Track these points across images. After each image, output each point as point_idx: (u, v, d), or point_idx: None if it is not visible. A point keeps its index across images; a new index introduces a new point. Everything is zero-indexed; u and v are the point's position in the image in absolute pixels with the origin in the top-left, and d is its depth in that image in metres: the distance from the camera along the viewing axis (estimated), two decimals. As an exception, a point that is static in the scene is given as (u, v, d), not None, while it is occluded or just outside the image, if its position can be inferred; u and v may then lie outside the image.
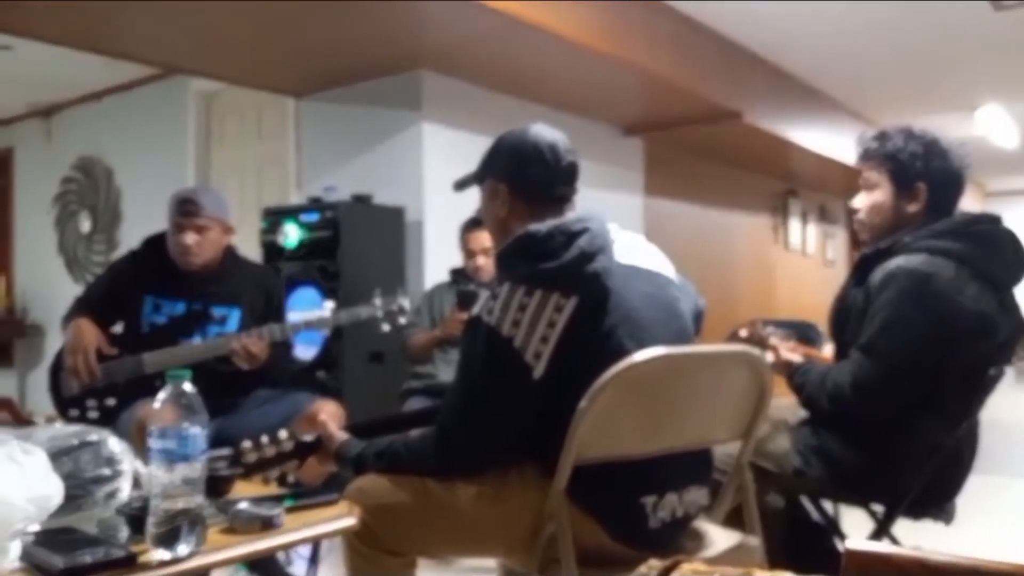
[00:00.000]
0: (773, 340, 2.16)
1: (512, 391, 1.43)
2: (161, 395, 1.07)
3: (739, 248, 6.97)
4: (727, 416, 1.60)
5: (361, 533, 1.44)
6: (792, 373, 2.05)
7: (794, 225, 7.94)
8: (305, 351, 3.49)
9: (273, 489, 1.50)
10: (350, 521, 1.26)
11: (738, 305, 6.25)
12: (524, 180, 1.59)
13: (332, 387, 3.50)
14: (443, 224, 3.72)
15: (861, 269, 2.02)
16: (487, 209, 1.67)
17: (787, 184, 7.75)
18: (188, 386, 1.08)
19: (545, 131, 1.62)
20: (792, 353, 2.12)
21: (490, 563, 2.28)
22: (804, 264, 8.15)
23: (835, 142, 6.16)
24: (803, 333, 2.44)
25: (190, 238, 2.60)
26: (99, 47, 3.81)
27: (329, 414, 1.97)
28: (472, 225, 3.19)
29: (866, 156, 2.05)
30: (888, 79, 5.58)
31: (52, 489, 1.08)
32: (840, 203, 9.06)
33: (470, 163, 1.76)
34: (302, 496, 1.32)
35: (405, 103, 4.07)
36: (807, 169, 7.03)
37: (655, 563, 0.77)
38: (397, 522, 1.50)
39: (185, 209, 2.59)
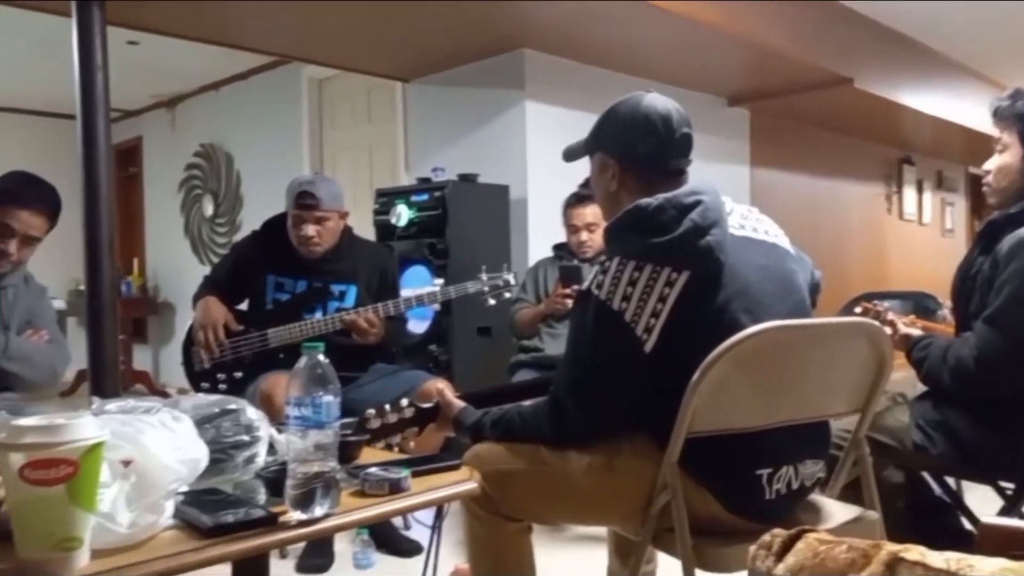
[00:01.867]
0: (890, 315, 2.09)
1: (623, 364, 1.44)
2: (297, 366, 1.14)
3: (850, 219, 6.70)
4: (844, 389, 1.57)
5: (479, 498, 1.49)
6: (911, 347, 1.99)
7: (909, 194, 7.56)
8: (417, 325, 3.60)
9: (396, 455, 1.57)
10: (471, 486, 1.32)
11: (849, 277, 6.03)
12: (635, 154, 1.57)
13: (443, 360, 3.61)
14: (547, 200, 3.75)
15: (988, 236, 1.93)
16: (597, 182, 1.65)
17: (902, 151, 7.38)
18: (322, 357, 1.15)
19: (659, 101, 1.57)
20: (911, 327, 2.05)
21: (602, 531, 2.32)
22: (920, 234, 7.77)
23: (955, 106, 5.82)
24: (920, 303, 2.35)
25: (311, 230, 2.73)
26: (218, 39, 4.00)
27: (444, 387, 2.04)
28: (575, 201, 3.20)
29: (997, 116, 1.95)
30: (1015, 38, 5.22)
31: (199, 453, 1.16)
32: (960, 169, 8.56)
33: (573, 139, 1.75)
34: (424, 462, 1.38)
35: (509, 82, 4.10)
36: (923, 135, 6.67)
37: (779, 532, 0.77)
38: (512, 489, 1.54)
39: (304, 203, 2.71)
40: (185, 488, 1.13)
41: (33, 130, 6.66)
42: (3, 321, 2.18)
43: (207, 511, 1.10)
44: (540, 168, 4.03)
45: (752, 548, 0.83)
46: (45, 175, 7.49)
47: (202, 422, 1.26)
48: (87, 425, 0.93)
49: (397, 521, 2.95)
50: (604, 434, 1.50)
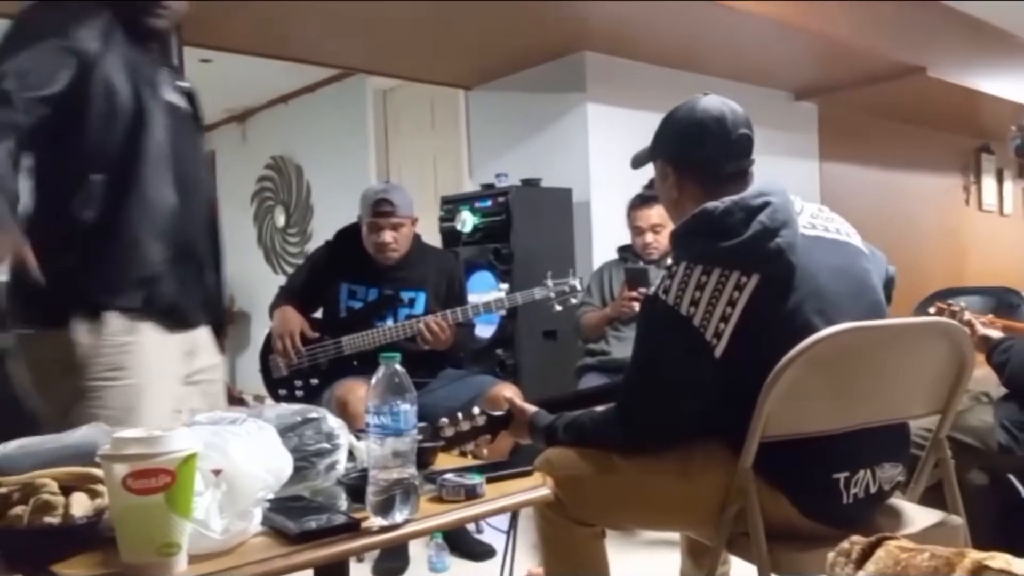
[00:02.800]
0: (967, 314, 2.03)
1: (692, 369, 1.44)
2: (376, 375, 1.18)
3: (924, 212, 6.49)
4: (924, 390, 1.54)
5: (552, 503, 1.50)
6: (991, 350, 1.92)
7: (988, 183, 7.28)
8: (484, 330, 3.64)
9: (469, 460, 1.60)
10: (544, 491, 1.33)
11: (925, 274, 5.83)
12: (690, 160, 1.57)
13: (509, 364, 3.64)
14: (610, 203, 3.75)
15: None
16: (660, 188, 1.66)
17: (979, 139, 7.11)
18: (399, 367, 1.18)
19: (713, 104, 1.56)
20: (989, 327, 1.99)
21: (673, 534, 2.31)
22: (1001, 225, 7.46)
23: (1036, 90, 5.59)
24: (1002, 299, 2.28)
25: (387, 236, 2.80)
26: (286, 55, 4.12)
27: (512, 392, 2.06)
28: (639, 202, 3.19)
29: None
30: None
31: (284, 462, 1.21)
32: (1046, 157, 8.19)
33: (636, 140, 1.75)
34: (497, 468, 1.41)
35: (570, 85, 4.11)
36: (1003, 122, 6.39)
37: (858, 539, 0.77)
38: (584, 494, 1.55)
39: (381, 210, 2.78)
40: (271, 495, 1.18)
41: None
42: None
43: (292, 518, 1.14)
44: (603, 170, 4.03)
45: (830, 555, 0.83)
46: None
47: (285, 431, 1.30)
48: (182, 437, 0.98)
49: (470, 525, 2.99)
50: (673, 439, 1.50)
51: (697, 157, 1.56)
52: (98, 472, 1.08)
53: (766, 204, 1.44)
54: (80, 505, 1.04)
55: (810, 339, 1.35)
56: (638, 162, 1.72)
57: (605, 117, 4.09)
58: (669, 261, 3.06)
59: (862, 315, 1.46)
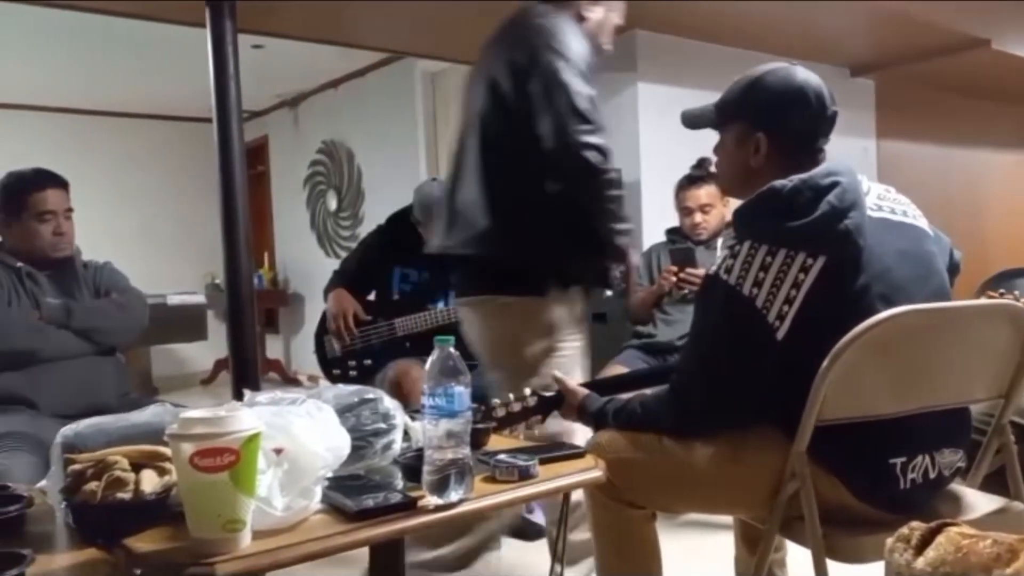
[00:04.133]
0: None
1: (753, 352, 1.42)
2: (431, 358, 1.20)
3: (989, 190, 6.28)
4: (985, 373, 1.51)
5: (602, 485, 1.51)
6: None
7: (1058, 159, 7.01)
8: (533, 314, 3.64)
9: (521, 441, 1.61)
10: (597, 473, 1.34)
11: (988, 254, 5.64)
12: (788, 128, 1.51)
13: (559, 347, 3.64)
14: (660, 183, 3.70)
15: None
16: (731, 155, 1.58)
17: (1048, 114, 6.85)
18: (453, 350, 1.20)
19: (812, 75, 1.52)
20: None
21: (719, 517, 2.30)
22: (1071, 203, 7.19)
23: (1113, 59, 5.34)
24: (1072, 282, 2.20)
25: None
26: (337, 39, 4.15)
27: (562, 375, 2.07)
28: (687, 182, 3.15)
29: None
30: None
31: (343, 441, 1.24)
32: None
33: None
34: (549, 449, 1.42)
35: (619, 65, 4.06)
36: (1074, 95, 6.16)
37: (917, 524, 0.76)
38: (635, 477, 1.55)
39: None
40: (330, 474, 1.21)
41: (168, 134, 7.11)
42: (78, 291, 2.35)
43: (351, 496, 1.17)
44: (653, 150, 3.99)
45: (889, 540, 0.82)
46: (181, 176, 8.00)
47: (343, 411, 1.33)
48: (245, 417, 1.02)
49: (520, 505, 3.01)
50: (728, 424, 1.49)
51: (794, 126, 1.51)
52: (165, 450, 1.12)
53: (835, 184, 1.40)
54: (149, 482, 1.08)
55: (869, 321, 1.33)
56: (695, 121, 1.65)
57: (656, 96, 4.04)
58: (720, 241, 3.06)
59: (927, 299, 1.42)
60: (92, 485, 1.07)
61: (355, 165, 6.20)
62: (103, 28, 4.36)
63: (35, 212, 2.26)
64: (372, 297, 3.02)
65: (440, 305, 2.90)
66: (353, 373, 2.92)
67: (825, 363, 1.33)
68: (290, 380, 6.76)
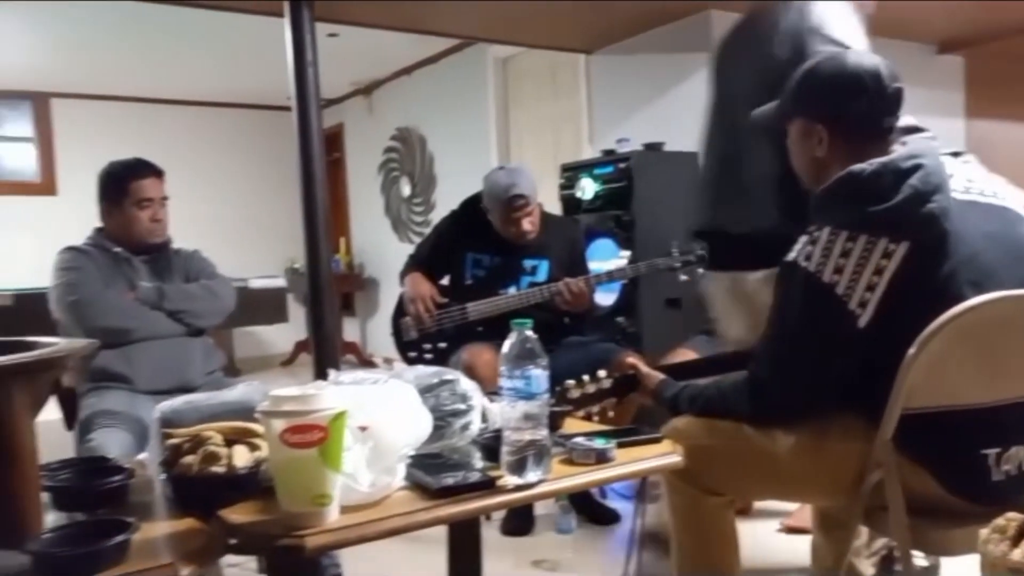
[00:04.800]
0: None
1: (834, 340, 1.39)
2: (508, 340, 1.21)
3: (1090, 170, 5.96)
4: (1086, 363, 1.44)
5: (680, 471, 1.50)
6: None
7: None
8: (605, 298, 3.63)
9: (596, 425, 1.62)
10: (675, 459, 1.34)
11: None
12: (845, 116, 1.48)
13: (631, 332, 3.62)
14: (738, 167, 3.64)
15: None
16: (798, 149, 1.58)
17: None
18: (530, 333, 1.21)
19: (864, 57, 1.49)
20: None
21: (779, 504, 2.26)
22: None
23: None
24: None
25: (527, 224, 2.85)
26: (411, 26, 4.19)
27: (636, 360, 2.06)
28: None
29: None
30: None
31: (424, 420, 1.27)
32: None
33: (764, 101, 1.67)
34: (626, 434, 1.42)
35: (695, 45, 3.99)
36: None
37: (1015, 516, 0.74)
38: (713, 464, 1.54)
39: (515, 205, 2.82)
40: (411, 452, 1.24)
41: (250, 122, 7.30)
42: (170, 276, 2.44)
43: (431, 473, 1.19)
44: (729, 133, 3.92)
45: (983, 531, 0.80)
46: (261, 163, 8.20)
47: (423, 391, 1.36)
48: (333, 395, 1.05)
49: (594, 489, 3.02)
50: (808, 413, 1.46)
51: (853, 112, 1.48)
52: (256, 427, 1.17)
53: (917, 167, 1.36)
54: (241, 457, 1.13)
55: (957, 308, 1.29)
56: (765, 121, 1.65)
57: (732, 78, 3.96)
58: (812, 228, 2.99)
59: (1019, 284, 1.37)
60: (188, 459, 1.12)
61: (427, 151, 6.27)
62: (187, 20, 4.52)
63: (135, 199, 2.36)
64: (445, 281, 3.06)
65: (512, 289, 2.92)
66: (428, 356, 2.97)
67: (912, 350, 1.30)
68: (366, 362, 6.90)
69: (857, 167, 1.40)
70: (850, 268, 1.36)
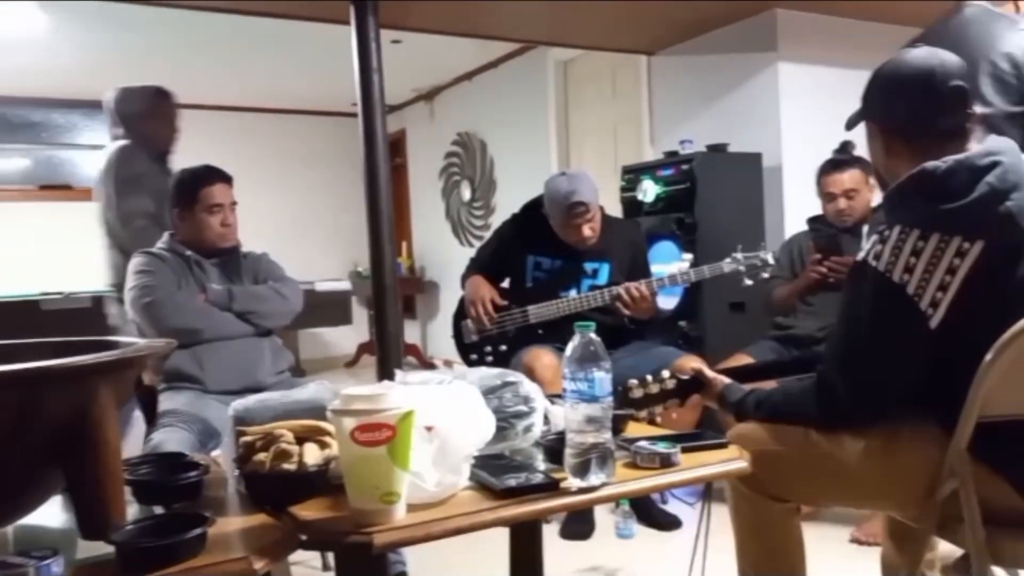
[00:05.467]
0: None
1: (904, 341, 1.36)
2: (572, 343, 1.21)
3: None
4: None
5: (745, 476, 1.48)
6: None
7: None
8: (667, 301, 3.60)
9: (661, 430, 1.61)
10: (741, 464, 1.32)
11: None
12: (895, 118, 1.47)
13: (693, 336, 3.58)
14: (803, 167, 3.56)
15: None
16: (870, 150, 1.56)
17: None
18: (594, 335, 1.21)
19: (919, 57, 1.45)
20: None
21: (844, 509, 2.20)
22: None
23: None
24: None
25: (587, 231, 2.86)
26: (473, 32, 4.23)
27: (699, 363, 2.04)
28: (830, 167, 3.02)
29: None
30: None
31: (488, 421, 1.28)
32: None
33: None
34: (691, 438, 1.41)
35: (759, 45, 3.94)
36: None
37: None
38: (779, 470, 1.52)
39: (576, 212, 2.83)
40: (476, 452, 1.25)
41: (315, 128, 7.45)
42: (239, 278, 2.51)
43: (495, 474, 1.21)
44: (795, 133, 3.85)
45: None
46: (327, 168, 8.33)
47: (487, 393, 1.37)
48: (400, 395, 1.07)
49: (655, 495, 3.00)
50: (878, 417, 1.43)
51: (902, 115, 1.46)
52: (326, 425, 1.19)
53: (995, 164, 1.32)
54: (312, 454, 1.16)
55: (1039, 312, 1.24)
56: (850, 123, 1.63)
57: (798, 76, 3.89)
58: (866, 228, 2.92)
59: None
60: (261, 456, 1.16)
61: (488, 156, 6.31)
62: (255, 29, 4.64)
63: (205, 205, 2.45)
64: (505, 285, 3.08)
65: (572, 293, 2.92)
66: (489, 359, 2.99)
67: (989, 356, 1.26)
68: (426, 364, 6.98)
69: (931, 164, 1.36)
70: (921, 267, 1.33)
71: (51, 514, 1.14)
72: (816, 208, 3.18)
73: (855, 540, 2.61)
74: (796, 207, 3.72)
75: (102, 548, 0.97)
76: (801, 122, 3.81)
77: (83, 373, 0.98)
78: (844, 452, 1.46)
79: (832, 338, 1.51)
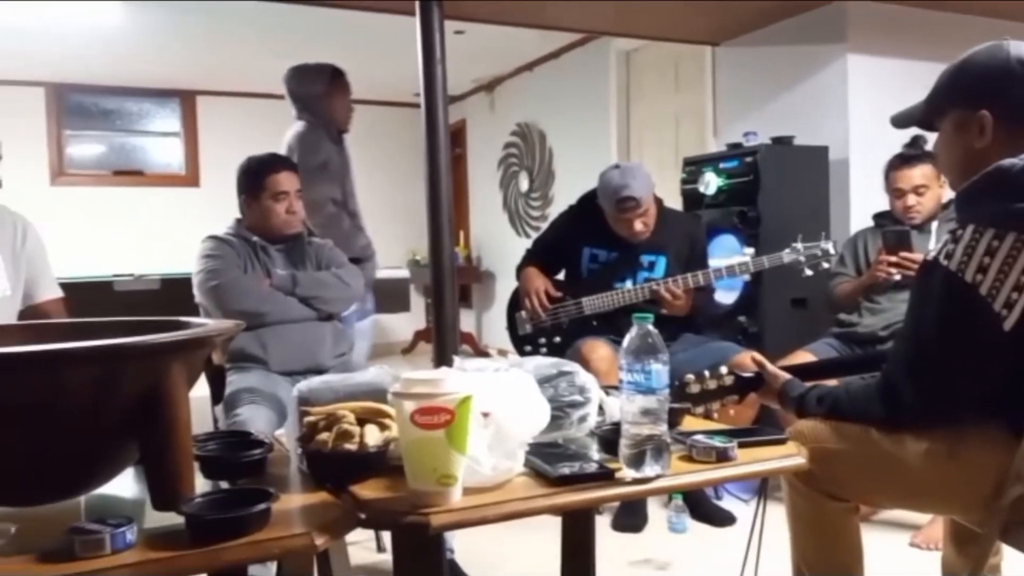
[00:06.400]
0: None
1: (975, 343, 1.33)
2: (629, 334, 1.22)
3: None
4: None
5: (802, 474, 1.47)
6: None
7: None
8: (725, 296, 3.56)
9: (716, 424, 1.60)
10: (799, 460, 1.31)
11: None
12: (1010, 100, 1.40)
13: (752, 333, 3.53)
14: (870, 161, 3.48)
15: None
16: (952, 143, 1.50)
17: None
18: (651, 327, 1.21)
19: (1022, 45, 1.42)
20: None
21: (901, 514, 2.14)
22: None
23: None
24: None
25: (638, 226, 2.85)
26: (537, 22, 4.23)
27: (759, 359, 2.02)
28: (900, 162, 2.94)
29: None
30: None
31: (543, 409, 1.30)
32: None
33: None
34: (747, 433, 1.40)
35: (828, 36, 3.85)
36: None
37: None
38: (838, 468, 1.50)
39: (626, 206, 2.82)
40: (530, 440, 1.26)
41: (376, 118, 7.53)
42: (303, 264, 2.56)
43: (549, 462, 1.22)
44: (863, 126, 3.75)
45: None
46: (388, 158, 8.46)
47: (542, 382, 1.39)
48: (459, 380, 1.09)
49: (709, 490, 2.98)
50: (945, 421, 1.40)
51: (1017, 95, 1.40)
52: (386, 408, 1.22)
53: None
54: (372, 436, 1.19)
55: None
56: (906, 120, 1.59)
57: (867, 68, 3.79)
58: (936, 224, 2.84)
59: None
60: (324, 436, 1.19)
61: (547, 146, 6.31)
62: (322, 20, 4.73)
63: (272, 192, 2.51)
64: (561, 276, 3.09)
65: (628, 284, 2.91)
66: (543, 350, 3.00)
67: (1064, 359, 1.22)
68: (481, 353, 7.03)
69: (1007, 162, 1.32)
70: (995, 268, 1.29)
71: (122, 486, 1.19)
72: (883, 204, 3.10)
73: (914, 545, 2.55)
74: (862, 203, 3.64)
75: (170, 519, 1.01)
76: (870, 115, 3.71)
77: (158, 351, 1.02)
78: (906, 453, 1.43)
79: (900, 338, 1.47)
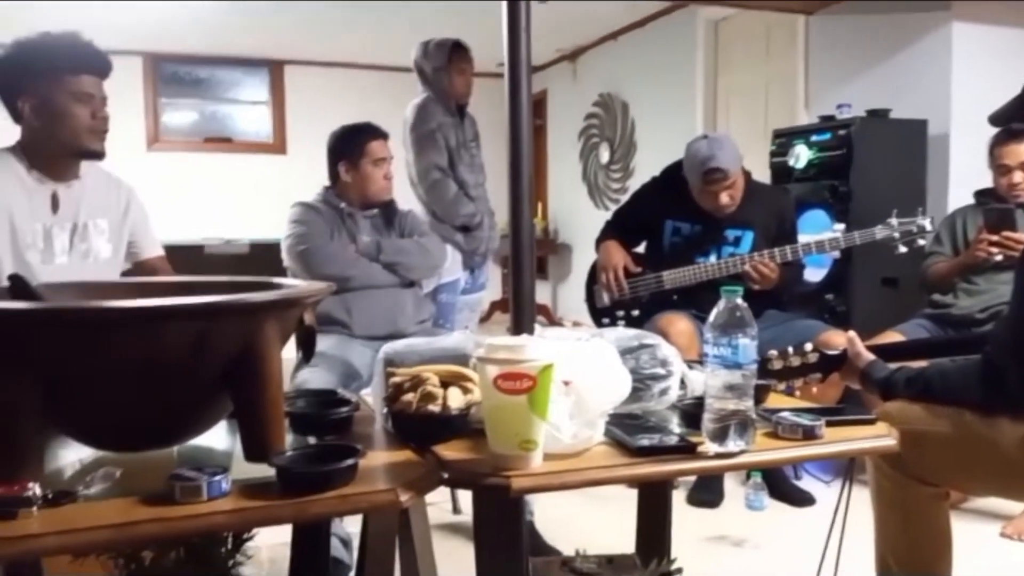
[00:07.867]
0: None
1: None
2: (717, 308, 1.19)
3: None
4: None
5: (889, 456, 1.44)
6: None
7: None
8: (814, 273, 3.46)
9: (800, 402, 1.56)
10: (889, 442, 1.26)
11: None
12: None
13: (840, 311, 3.43)
14: (973, 136, 3.31)
15: None
16: None
17: None
18: (740, 301, 1.19)
19: None
20: None
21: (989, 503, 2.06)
22: None
23: None
24: None
25: (724, 198, 2.79)
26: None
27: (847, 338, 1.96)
28: (1006, 136, 2.79)
29: None
30: None
31: (624, 380, 1.29)
32: None
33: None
34: (835, 412, 1.36)
35: (930, 3, 3.67)
36: None
37: None
38: (928, 452, 1.46)
39: (713, 178, 2.75)
40: (611, 410, 1.26)
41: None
42: (387, 232, 2.61)
43: (630, 433, 1.21)
44: (967, 99, 3.57)
45: None
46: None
47: (624, 353, 1.37)
48: (541, 347, 1.09)
49: (788, 470, 2.93)
50: None
51: None
52: (469, 372, 1.24)
53: None
54: (455, 398, 1.21)
55: None
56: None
57: (974, 37, 3.60)
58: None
59: None
60: (408, 396, 1.21)
61: (629, 117, 6.22)
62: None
63: (372, 159, 2.57)
64: (641, 248, 3.05)
65: (712, 259, 2.85)
66: (621, 323, 2.98)
67: None
68: (555, 324, 7.04)
69: None
70: None
71: (214, 438, 1.24)
72: (985, 181, 2.95)
73: (1005, 536, 2.45)
74: (962, 179, 3.47)
75: (259, 471, 1.04)
76: (974, 87, 3.53)
77: (254, 309, 1.06)
78: (1002, 437, 1.38)
79: (1005, 320, 1.42)
